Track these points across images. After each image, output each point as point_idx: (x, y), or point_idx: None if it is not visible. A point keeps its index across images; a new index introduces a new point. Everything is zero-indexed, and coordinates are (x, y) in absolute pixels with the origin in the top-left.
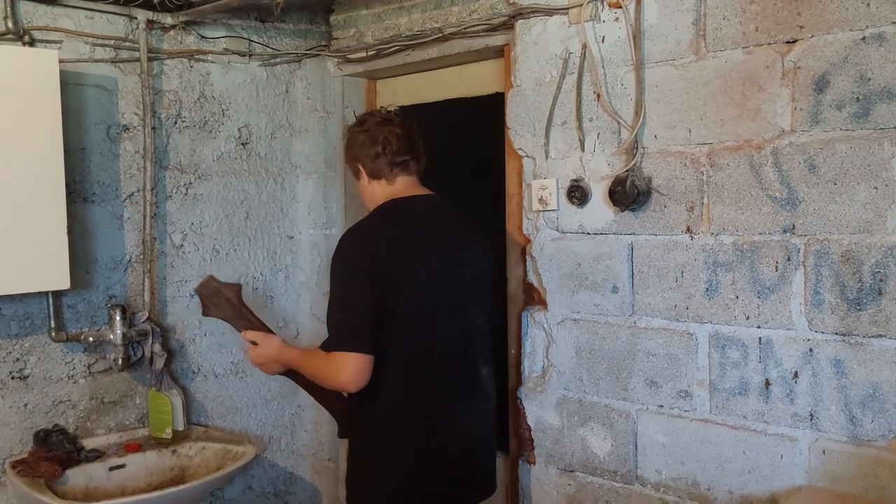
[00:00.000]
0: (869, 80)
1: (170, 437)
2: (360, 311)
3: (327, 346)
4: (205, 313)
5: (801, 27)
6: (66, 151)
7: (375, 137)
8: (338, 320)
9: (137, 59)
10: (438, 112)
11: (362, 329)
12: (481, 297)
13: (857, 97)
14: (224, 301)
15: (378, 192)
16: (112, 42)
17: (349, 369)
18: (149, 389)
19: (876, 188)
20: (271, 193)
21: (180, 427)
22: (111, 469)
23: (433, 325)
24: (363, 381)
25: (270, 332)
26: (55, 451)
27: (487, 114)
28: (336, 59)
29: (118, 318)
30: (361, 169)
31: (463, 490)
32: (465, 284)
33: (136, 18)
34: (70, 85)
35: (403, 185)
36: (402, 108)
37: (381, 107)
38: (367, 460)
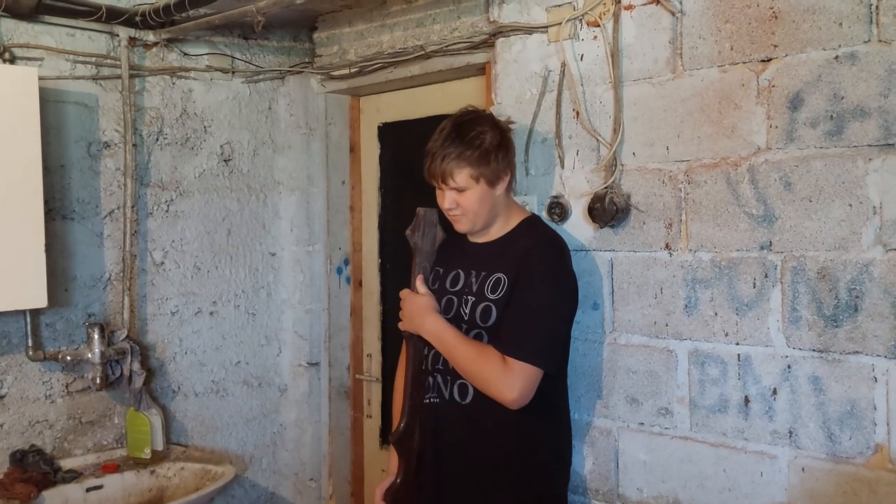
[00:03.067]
0: (842, 98)
1: (148, 457)
2: (563, 328)
3: (509, 351)
4: (409, 231)
5: (776, 46)
6: (45, 168)
7: (511, 142)
8: (535, 331)
9: (119, 76)
10: (421, 129)
11: (555, 347)
12: None
13: (831, 115)
14: (431, 236)
15: (507, 202)
16: (93, 59)
17: (524, 383)
18: (127, 409)
19: (850, 205)
20: (253, 210)
21: (159, 447)
22: (88, 490)
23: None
24: (528, 400)
25: None
26: (31, 472)
27: None
28: (319, 76)
29: (96, 336)
30: (507, 173)
31: None
32: None
33: (117, 35)
34: (51, 102)
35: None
36: (385, 124)
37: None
38: (543, 474)
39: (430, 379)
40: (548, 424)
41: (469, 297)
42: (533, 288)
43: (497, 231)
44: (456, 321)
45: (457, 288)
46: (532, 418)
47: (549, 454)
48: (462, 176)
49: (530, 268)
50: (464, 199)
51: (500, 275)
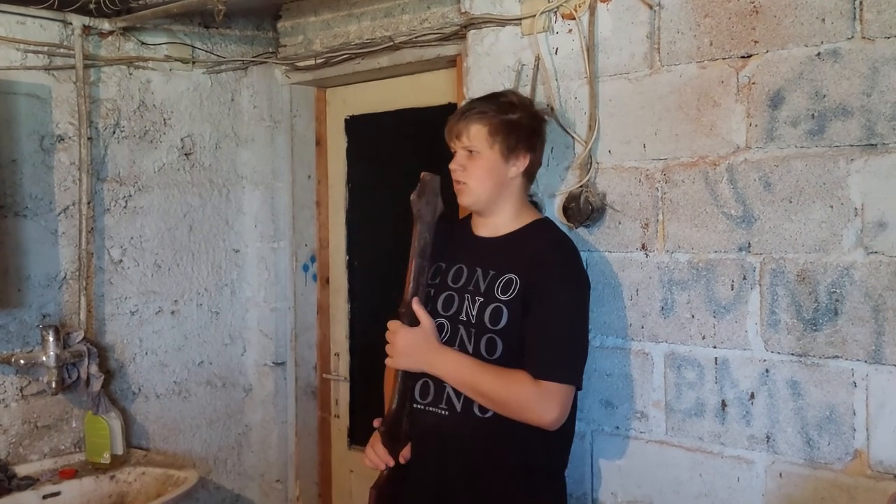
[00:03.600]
0: (824, 96)
1: (108, 462)
2: (586, 344)
3: (543, 374)
4: (414, 196)
5: (756, 42)
6: None
7: (544, 133)
8: (567, 349)
9: (73, 67)
10: (390, 122)
11: (583, 363)
12: None
13: (813, 114)
14: (433, 205)
15: (518, 194)
16: (45, 48)
17: (562, 404)
18: (85, 412)
19: (832, 206)
20: (216, 206)
21: (119, 451)
22: (45, 497)
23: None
24: (566, 417)
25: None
26: None
27: (440, 124)
28: (284, 67)
29: (51, 339)
30: (526, 158)
31: None
32: None
33: (70, 24)
34: (0, 93)
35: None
36: (352, 117)
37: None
38: (537, 491)
39: (433, 386)
40: (550, 437)
41: (476, 298)
42: (555, 298)
43: (505, 226)
44: (459, 321)
45: (459, 284)
46: (541, 432)
47: (542, 469)
48: (478, 133)
49: (550, 274)
50: (472, 164)
51: (511, 275)
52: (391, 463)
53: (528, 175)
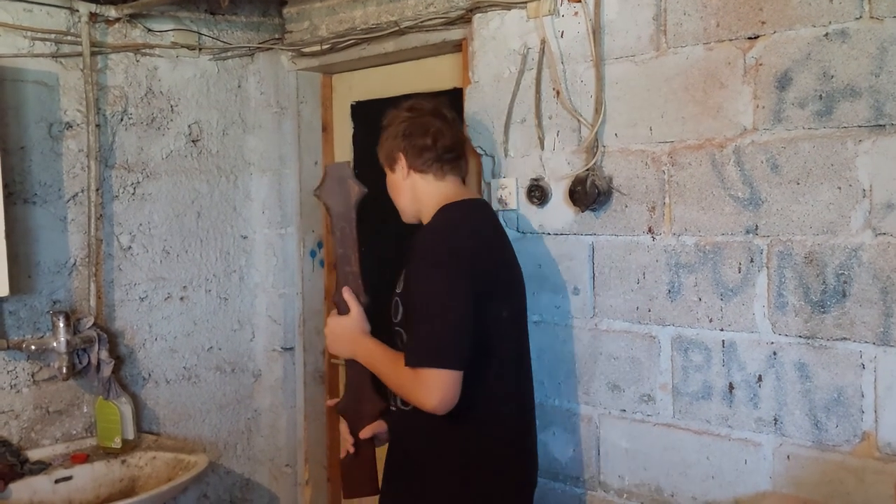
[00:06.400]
0: (832, 77)
1: (119, 446)
2: (455, 323)
3: (411, 361)
4: (316, 190)
5: (763, 23)
6: (4, 151)
7: (427, 127)
8: (427, 331)
9: (80, 54)
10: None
11: (456, 343)
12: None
13: (820, 95)
14: (344, 193)
15: (423, 189)
16: (52, 36)
17: (440, 389)
18: (96, 398)
19: (839, 188)
20: (224, 192)
21: (130, 436)
22: (57, 482)
23: (515, 337)
24: (454, 402)
25: (362, 289)
26: None
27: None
28: (290, 53)
29: (61, 325)
30: (402, 159)
31: None
32: (525, 295)
33: (77, 11)
34: (8, 81)
35: (455, 186)
36: (358, 103)
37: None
38: (453, 481)
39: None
40: (457, 424)
41: (393, 295)
42: (416, 285)
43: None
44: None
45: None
46: (446, 419)
47: (457, 458)
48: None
49: (413, 262)
50: (389, 189)
51: (405, 269)
52: (348, 440)
53: (419, 168)
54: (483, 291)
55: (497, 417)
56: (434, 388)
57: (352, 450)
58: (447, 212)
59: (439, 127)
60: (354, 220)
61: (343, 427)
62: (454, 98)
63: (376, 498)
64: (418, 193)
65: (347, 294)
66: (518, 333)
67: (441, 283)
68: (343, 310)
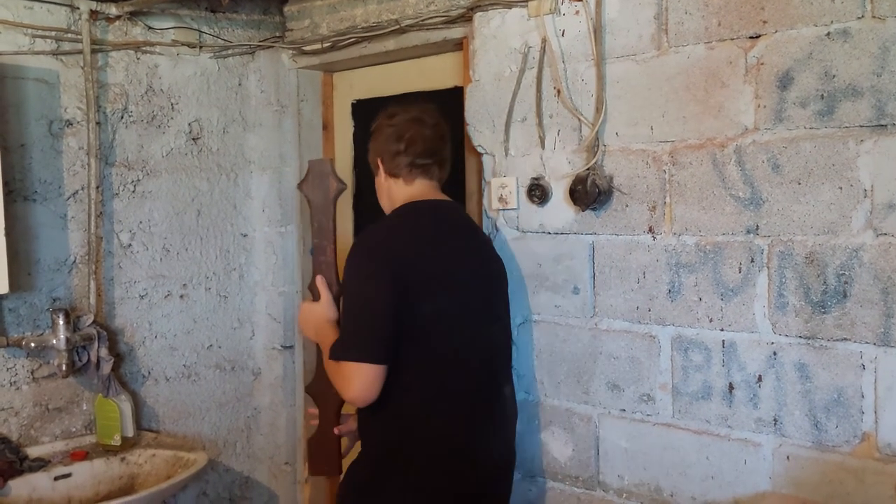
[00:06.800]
0: (834, 76)
1: (118, 444)
2: (375, 319)
3: (334, 354)
4: (300, 185)
5: (765, 22)
6: (4, 148)
7: (401, 134)
8: (349, 328)
9: (80, 52)
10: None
11: (375, 338)
12: (500, 308)
13: (822, 94)
14: (324, 187)
15: (394, 192)
16: (53, 33)
17: (357, 381)
18: (96, 395)
19: (841, 188)
20: (224, 190)
21: (129, 433)
22: (56, 478)
23: (454, 336)
24: (372, 395)
25: (335, 279)
26: None
27: (447, 108)
28: (291, 52)
29: (61, 322)
30: (380, 164)
31: None
32: (486, 294)
33: (78, 8)
34: (9, 78)
35: (421, 190)
36: (359, 101)
37: (421, 105)
38: (368, 473)
39: None
40: (380, 418)
41: None
42: (344, 283)
43: None
44: None
45: None
46: (370, 413)
47: (377, 450)
48: None
49: (346, 262)
50: None
51: None
52: (312, 412)
53: (392, 172)
54: (409, 290)
55: (422, 413)
56: (351, 381)
57: (315, 422)
58: (394, 214)
59: (412, 134)
60: (332, 214)
61: (311, 407)
62: (455, 97)
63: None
64: (392, 195)
65: (320, 282)
66: (461, 331)
67: (361, 282)
68: (316, 297)
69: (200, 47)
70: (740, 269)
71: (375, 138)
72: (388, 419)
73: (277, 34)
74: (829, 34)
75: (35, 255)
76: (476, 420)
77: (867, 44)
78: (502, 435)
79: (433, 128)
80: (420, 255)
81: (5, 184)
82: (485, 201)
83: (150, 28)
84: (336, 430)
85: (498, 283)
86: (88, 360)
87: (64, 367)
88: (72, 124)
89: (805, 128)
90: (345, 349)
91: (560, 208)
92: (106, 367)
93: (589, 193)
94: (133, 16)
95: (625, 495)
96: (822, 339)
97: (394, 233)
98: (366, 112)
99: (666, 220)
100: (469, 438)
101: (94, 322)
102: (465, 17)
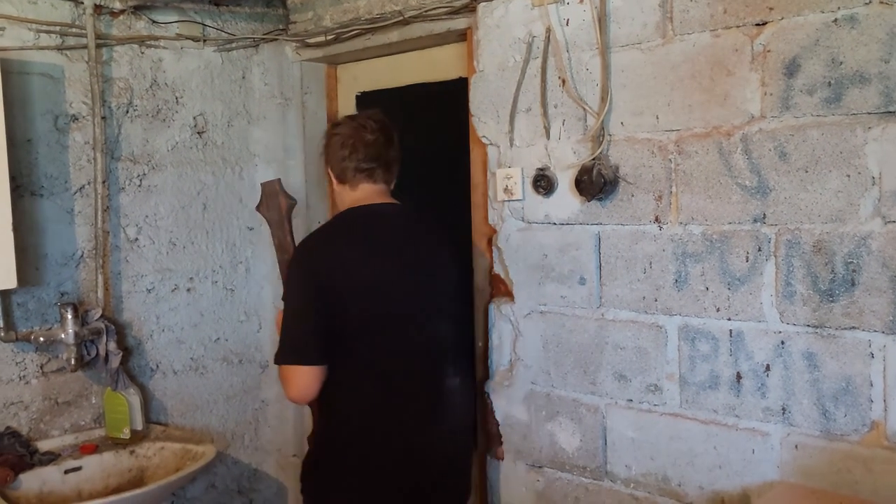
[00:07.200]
0: (841, 63)
1: (127, 437)
2: (305, 322)
3: (275, 359)
4: (257, 207)
5: (771, 9)
6: (10, 143)
7: (345, 141)
8: (284, 335)
9: (85, 46)
10: (402, 97)
11: (306, 341)
12: (447, 307)
13: (829, 82)
14: (276, 206)
15: (343, 197)
16: (57, 28)
17: (293, 382)
18: (105, 388)
19: (848, 176)
20: (229, 183)
21: (138, 426)
22: (66, 472)
23: (387, 336)
24: (310, 394)
25: None
26: (7, 455)
27: (451, 99)
28: (294, 44)
29: (69, 316)
30: (330, 171)
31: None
32: (427, 294)
33: (82, 3)
34: (14, 74)
35: (366, 194)
36: (363, 93)
37: (368, 111)
38: (314, 459)
39: None
40: (324, 416)
41: None
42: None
43: None
44: None
45: None
46: (318, 411)
47: (321, 439)
48: None
49: None
50: None
51: None
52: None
53: (338, 178)
54: (336, 295)
55: (356, 408)
56: (290, 382)
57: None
58: (331, 220)
59: (355, 141)
60: (288, 229)
61: None
62: (459, 87)
63: None
64: (341, 201)
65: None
66: (394, 332)
67: (292, 290)
68: None
69: (204, 41)
70: (747, 258)
71: (325, 148)
72: (329, 413)
73: (281, 27)
74: (835, 20)
75: (43, 249)
76: (411, 415)
77: (874, 30)
78: (444, 429)
79: (376, 133)
80: (348, 260)
81: (12, 179)
82: (490, 192)
83: (153, 22)
84: None
85: (448, 283)
86: (97, 353)
87: (73, 361)
88: (77, 119)
89: (812, 115)
90: (282, 354)
91: (566, 199)
92: (114, 361)
93: (594, 183)
94: (137, 10)
95: (632, 485)
96: (830, 327)
97: (325, 239)
98: (371, 104)
99: (672, 210)
100: (402, 432)
101: (102, 316)
102: (469, 8)
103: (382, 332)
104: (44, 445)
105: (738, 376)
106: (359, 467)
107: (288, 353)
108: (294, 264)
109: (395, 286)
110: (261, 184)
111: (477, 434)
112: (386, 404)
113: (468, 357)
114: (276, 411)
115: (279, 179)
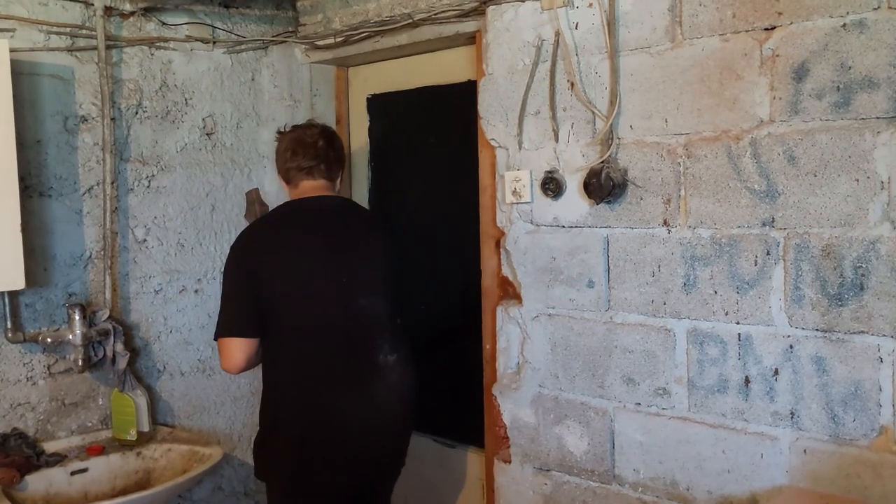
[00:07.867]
0: (850, 68)
1: (134, 438)
2: (236, 303)
3: (214, 336)
4: (245, 215)
5: (780, 13)
6: (20, 144)
7: (288, 146)
8: (220, 313)
9: (95, 48)
10: (411, 100)
11: (237, 317)
12: (379, 286)
13: (838, 86)
14: (254, 213)
15: (290, 196)
16: (68, 30)
17: (225, 353)
18: (112, 390)
19: (857, 180)
20: (238, 185)
21: (145, 428)
22: (73, 473)
23: (312, 312)
24: (240, 363)
25: None
26: (13, 456)
27: (460, 102)
28: (304, 46)
29: (77, 317)
30: (279, 177)
31: (346, 468)
32: (354, 273)
33: (92, 5)
34: (24, 75)
35: (304, 189)
36: (373, 96)
37: (311, 119)
38: (260, 428)
39: None
40: (264, 391)
41: None
42: None
43: None
44: None
45: None
46: (262, 387)
47: (261, 424)
48: None
49: None
50: None
51: None
52: None
53: (284, 179)
54: (260, 276)
55: (284, 378)
56: (223, 353)
57: None
58: (266, 213)
59: (294, 145)
60: None
61: None
62: (468, 90)
63: None
64: (289, 199)
65: None
66: (316, 307)
67: (226, 274)
68: None
69: (214, 43)
70: (756, 261)
71: (275, 157)
72: (266, 383)
73: (290, 29)
74: (844, 25)
75: (51, 250)
76: (341, 386)
77: (883, 35)
78: (378, 402)
79: (316, 136)
80: (272, 245)
81: (21, 179)
82: (498, 195)
83: (163, 24)
84: None
85: (379, 264)
86: (104, 354)
87: (80, 362)
88: (87, 120)
89: (821, 120)
90: (217, 329)
91: (574, 201)
92: (122, 362)
93: (603, 186)
94: (147, 12)
95: (640, 489)
96: (839, 332)
97: (257, 230)
98: (381, 106)
99: (681, 213)
100: (333, 403)
101: (109, 317)
102: (478, 11)
103: (307, 308)
104: (50, 447)
105: (747, 380)
106: (294, 438)
107: (221, 328)
108: (230, 253)
109: (319, 264)
110: (245, 193)
111: (416, 411)
112: (314, 376)
113: (402, 336)
114: None
115: (257, 189)
